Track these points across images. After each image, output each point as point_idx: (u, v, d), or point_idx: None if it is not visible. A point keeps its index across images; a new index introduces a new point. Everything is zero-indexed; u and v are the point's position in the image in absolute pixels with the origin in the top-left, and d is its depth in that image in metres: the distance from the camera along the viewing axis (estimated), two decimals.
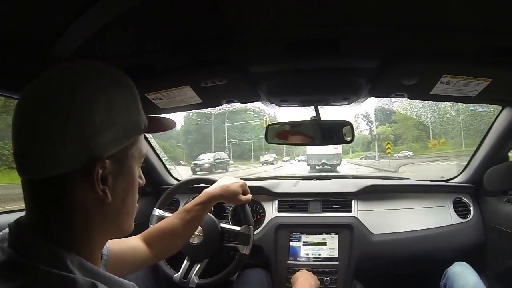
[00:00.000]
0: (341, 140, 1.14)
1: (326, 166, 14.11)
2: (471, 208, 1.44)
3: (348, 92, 1.03)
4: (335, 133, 1.14)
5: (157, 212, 1.28)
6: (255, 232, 1.33)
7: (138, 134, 0.48)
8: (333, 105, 1.12)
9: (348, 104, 1.12)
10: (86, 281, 0.40)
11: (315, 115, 1.17)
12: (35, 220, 0.43)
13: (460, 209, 1.45)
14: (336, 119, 1.15)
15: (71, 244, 0.43)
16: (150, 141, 1.49)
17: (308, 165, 14.87)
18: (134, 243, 0.82)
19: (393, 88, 1.00)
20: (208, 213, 1.23)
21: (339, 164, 15.09)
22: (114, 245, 0.72)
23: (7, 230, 0.46)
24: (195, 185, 1.33)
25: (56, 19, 0.62)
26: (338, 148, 14.22)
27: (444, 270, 1.18)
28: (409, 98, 1.07)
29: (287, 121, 1.19)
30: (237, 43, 0.82)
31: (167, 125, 0.56)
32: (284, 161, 24.66)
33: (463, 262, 1.18)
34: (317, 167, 14.08)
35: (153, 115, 0.53)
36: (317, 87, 1.01)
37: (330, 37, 0.79)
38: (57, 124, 0.40)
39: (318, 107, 1.14)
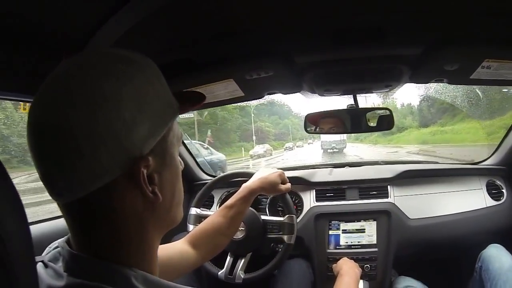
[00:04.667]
0: (382, 127, 1.14)
1: (335, 149, 16.59)
2: (504, 191, 1.45)
3: (390, 79, 1.02)
4: (375, 120, 1.14)
5: (194, 211, 1.27)
6: None
7: (174, 116, 0.43)
8: (374, 92, 1.12)
9: (389, 91, 1.11)
10: None
11: (352, 104, 1.16)
12: (85, 241, 0.40)
13: (494, 191, 1.45)
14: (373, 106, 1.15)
15: (130, 258, 0.40)
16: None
17: (321, 148, 17.40)
18: (181, 247, 0.81)
19: (434, 74, 0.99)
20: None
21: (345, 147, 17.56)
22: (161, 250, 0.70)
23: (55, 248, 0.44)
24: (232, 180, 1.33)
25: (91, 16, 0.60)
26: (343, 136, 16.34)
27: (478, 253, 1.19)
28: (449, 83, 1.07)
29: (325, 110, 1.18)
30: (284, 33, 0.81)
31: (198, 100, 0.50)
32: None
33: (498, 245, 1.18)
34: (328, 150, 16.66)
35: (177, 91, 0.48)
36: (361, 76, 1.01)
37: (375, 25, 0.79)
38: (83, 133, 0.35)
39: (357, 95, 1.13)
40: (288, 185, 1.07)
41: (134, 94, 0.37)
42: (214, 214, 0.93)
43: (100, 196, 0.37)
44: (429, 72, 0.99)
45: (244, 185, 0.99)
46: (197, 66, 0.92)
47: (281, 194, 1.17)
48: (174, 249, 0.78)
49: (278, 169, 1.10)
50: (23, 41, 0.61)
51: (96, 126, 0.35)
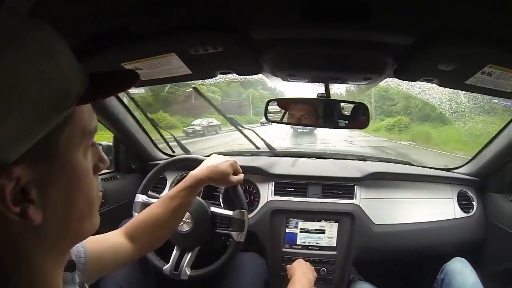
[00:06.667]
0: (354, 125, 0.99)
1: (305, 129, 15.02)
2: (474, 203, 1.38)
3: (371, 71, 0.86)
4: (347, 115, 0.99)
5: (140, 198, 1.15)
6: (248, 217, 1.22)
7: (66, 108, 0.31)
8: (349, 84, 0.96)
9: (368, 84, 0.95)
10: None
11: (323, 92, 1.00)
12: None
13: (464, 202, 1.38)
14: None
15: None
16: (131, 110, 1.31)
17: (291, 127, 15.37)
18: (115, 239, 0.73)
19: (424, 72, 0.83)
20: (197, 196, 1.12)
21: (316, 129, 15.91)
22: (93, 244, 0.64)
23: None
24: (183, 164, 1.21)
25: None
26: None
27: (440, 263, 1.15)
28: (439, 85, 0.92)
29: (290, 97, 1.03)
30: (237, 1, 0.64)
31: (122, 83, 0.37)
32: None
33: (463, 259, 1.13)
34: (298, 130, 14.90)
35: (96, 71, 0.35)
36: (334, 63, 0.84)
37: (359, 0, 0.61)
38: None
39: (330, 84, 0.97)
40: (241, 176, 0.95)
41: None
42: (155, 204, 0.83)
43: None
44: (419, 69, 0.83)
45: (191, 173, 0.88)
46: (135, 37, 0.73)
47: (232, 186, 1.06)
48: (107, 242, 0.70)
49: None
50: None
51: None
